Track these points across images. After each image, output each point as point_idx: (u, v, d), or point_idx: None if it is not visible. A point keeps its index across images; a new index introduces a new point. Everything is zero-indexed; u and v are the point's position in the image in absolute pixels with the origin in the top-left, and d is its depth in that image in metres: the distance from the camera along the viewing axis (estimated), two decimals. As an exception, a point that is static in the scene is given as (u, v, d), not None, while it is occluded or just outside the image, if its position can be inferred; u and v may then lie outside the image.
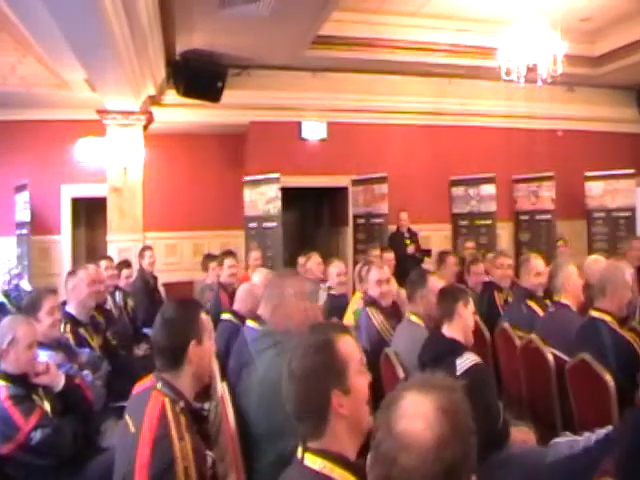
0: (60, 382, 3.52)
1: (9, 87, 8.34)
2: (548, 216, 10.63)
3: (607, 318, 3.88)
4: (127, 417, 2.42)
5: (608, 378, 3.42)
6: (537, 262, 5.36)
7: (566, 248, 8.98)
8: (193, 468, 2.16)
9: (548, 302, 5.28)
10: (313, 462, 1.76)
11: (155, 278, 8.26)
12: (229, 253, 7.42)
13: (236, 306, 4.79)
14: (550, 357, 4.06)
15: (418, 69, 10.02)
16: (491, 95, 10.44)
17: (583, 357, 3.64)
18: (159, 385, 2.39)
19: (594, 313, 3.99)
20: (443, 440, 1.28)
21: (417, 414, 1.32)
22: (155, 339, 2.53)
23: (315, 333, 1.98)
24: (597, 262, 5.81)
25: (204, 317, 2.56)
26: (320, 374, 1.84)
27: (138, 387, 2.53)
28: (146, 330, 7.01)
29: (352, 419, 1.84)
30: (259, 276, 5.53)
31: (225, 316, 4.68)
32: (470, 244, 9.39)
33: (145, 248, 8.24)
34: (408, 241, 9.66)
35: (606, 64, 10.10)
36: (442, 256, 7.27)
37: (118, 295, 6.87)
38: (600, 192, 10.85)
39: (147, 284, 7.81)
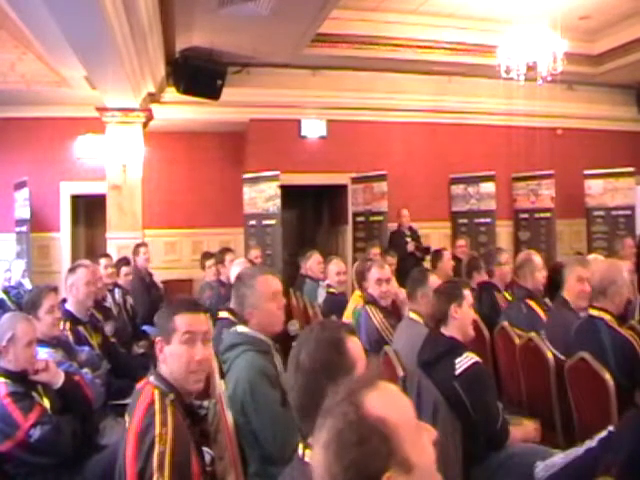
0: (59, 379, 3.52)
1: (9, 84, 8.34)
2: (548, 214, 10.63)
3: (606, 317, 3.87)
4: (126, 415, 2.44)
5: (607, 377, 3.41)
6: (539, 259, 5.37)
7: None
8: (168, 454, 2.14)
9: (547, 300, 5.30)
10: None
11: (150, 274, 8.26)
12: (227, 250, 7.47)
13: (232, 303, 4.76)
14: (550, 356, 4.06)
15: (418, 67, 10.00)
16: (491, 93, 10.41)
17: (582, 356, 3.63)
18: (151, 378, 2.42)
19: (593, 312, 3.98)
20: (341, 466, 1.24)
21: (316, 446, 1.31)
22: None
23: (327, 329, 1.98)
24: (596, 261, 5.80)
25: (180, 319, 2.48)
26: (331, 369, 1.84)
27: (138, 386, 2.54)
28: (145, 327, 7.03)
29: None
30: (237, 269, 5.54)
31: (222, 314, 4.65)
32: (461, 242, 9.36)
33: (139, 245, 8.27)
34: (409, 238, 9.64)
35: (606, 62, 10.09)
36: (437, 253, 7.28)
37: (117, 293, 6.87)
38: (600, 190, 10.84)
39: (143, 281, 7.81)
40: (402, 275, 5.64)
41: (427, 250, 9.57)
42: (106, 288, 6.31)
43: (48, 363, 3.49)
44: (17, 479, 3.18)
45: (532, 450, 3.23)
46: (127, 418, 2.40)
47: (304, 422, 1.83)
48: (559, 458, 2.35)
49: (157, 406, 2.28)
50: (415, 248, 9.51)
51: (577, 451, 2.29)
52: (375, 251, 7.98)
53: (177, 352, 2.43)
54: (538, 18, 7.61)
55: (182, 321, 2.47)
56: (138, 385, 2.53)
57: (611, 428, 2.23)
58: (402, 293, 5.06)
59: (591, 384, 3.55)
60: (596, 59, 10.13)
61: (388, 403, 1.32)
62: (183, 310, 2.51)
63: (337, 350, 1.90)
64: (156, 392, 2.34)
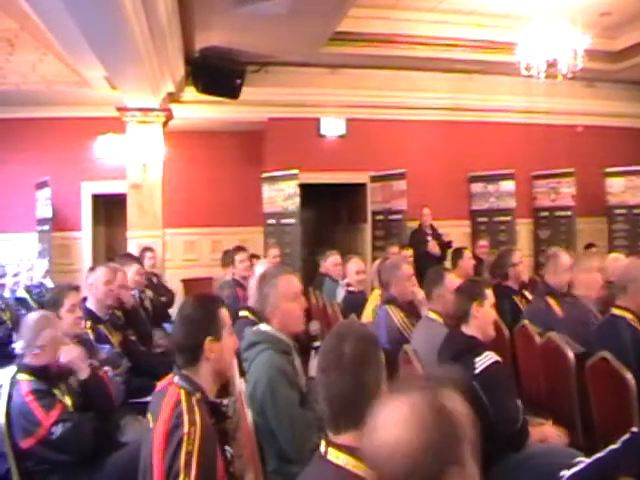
0: (85, 371, 3.57)
1: (30, 85, 8.43)
2: (568, 213, 10.55)
3: (628, 316, 3.84)
4: (148, 415, 2.45)
5: (629, 377, 3.39)
6: (566, 258, 5.32)
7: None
8: (196, 454, 2.16)
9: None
10: (336, 457, 1.76)
11: (157, 276, 8.27)
12: (239, 249, 7.47)
13: (250, 302, 4.79)
14: (570, 355, 4.03)
15: (437, 65, 9.98)
16: (510, 91, 10.38)
17: (603, 355, 3.61)
18: (176, 379, 2.43)
19: (615, 311, 3.96)
20: (421, 444, 1.27)
21: (393, 423, 1.32)
22: (173, 336, 2.55)
23: (363, 326, 2.00)
24: (618, 260, 5.76)
25: (223, 312, 2.55)
26: (371, 363, 1.87)
27: (159, 385, 2.55)
28: (165, 325, 7.07)
29: None
30: (261, 269, 5.56)
31: (242, 313, 4.66)
32: (483, 242, 9.31)
33: (145, 249, 8.31)
34: (430, 237, 9.63)
35: (626, 59, 9.99)
36: (458, 252, 7.24)
37: (136, 291, 6.89)
38: (621, 188, 10.75)
39: (150, 283, 7.79)
40: (422, 275, 5.59)
41: (449, 244, 9.53)
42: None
43: (80, 351, 3.55)
44: (38, 476, 3.23)
45: (552, 450, 3.22)
46: (150, 417, 2.40)
47: (341, 415, 1.82)
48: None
49: (184, 406, 2.29)
50: (438, 245, 9.48)
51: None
52: (394, 250, 7.96)
53: (227, 345, 2.52)
54: (558, 15, 7.56)
55: (226, 315, 2.55)
56: (159, 385, 2.55)
57: (635, 429, 2.21)
58: (420, 293, 5.03)
59: (612, 384, 3.52)
60: (616, 56, 10.03)
61: (457, 403, 1.37)
62: (219, 304, 2.59)
63: (376, 346, 1.93)
64: (182, 392, 2.35)
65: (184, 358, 2.47)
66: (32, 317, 3.51)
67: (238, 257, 7.14)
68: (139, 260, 7.47)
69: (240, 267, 7.01)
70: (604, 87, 11.20)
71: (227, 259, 7.97)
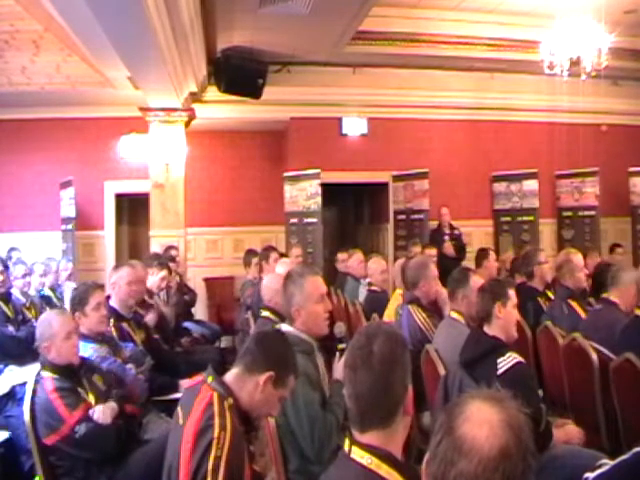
0: (111, 416, 3.44)
1: (54, 85, 8.52)
2: (592, 212, 10.44)
3: (653, 317, 3.82)
4: (179, 409, 2.46)
5: (653, 378, 3.36)
6: (579, 258, 5.29)
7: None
8: (224, 460, 2.16)
9: (592, 300, 5.22)
10: (360, 456, 1.75)
11: (180, 275, 8.30)
12: (272, 248, 7.52)
13: (266, 300, 4.78)
14: (594, 356, 3.99)
15: (459, 64, 9.92)
16: (533, 89, 10.30)
17: (628, 357, 3.58)
18: (209, 379, 2.43)
19: (639, 312, 3.93)
20: (506, 452, 1.26)
21: (483, 421, 1.30)
22: (251, 349, 2.53)
23: (383, 325, 2.00)
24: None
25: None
26: (399, 363, 1.86)
27: (191, 382, 2.56)
28: (187, 324, 7.11)
29: (408, 419, 1.87)
30: (282, 268, 5.57)
31: (263, 313, 4.66)
32: (508, 255, 9.14)
33: (169, 248, 8.35)
34: (447, 238, 9.60)
35: (652, 57, 9.89)
36: (482, 253, 7.17)
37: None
38: (646, 188, 10.64)
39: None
40: (441, 275, 5.57)
41: (463, 250, 9.48)
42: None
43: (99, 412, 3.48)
44: (61, 471, 3.27)
45: (575, 452, 3.19)
46: (180, 413, 2.41)
47: (366, 414, 1.81)
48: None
49: (216, 409, 2.29)
50: (453, 246, 9.44)
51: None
52: (416, 249, 7.95)
53: (280, 395, 2.56)
54: (582, 12, 7.49)
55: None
56: (191, 381, 2.55)
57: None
58: (443, 293, 5.01)
59: (636, 385, 3.49)
60: (642, 54, 9.93)
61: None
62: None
63: (403, 347, 1.93)
64: (215, 394, 2.35)
65: (244, 362, 2.48)
66: (40, 319, 3.57)
67: (273, 255, 7.21)
68: (167, 262, 7.44)
69: (274, 265, 7.07)
70: (629, 85, 11.07)
71: (249, 258, 8.02)
